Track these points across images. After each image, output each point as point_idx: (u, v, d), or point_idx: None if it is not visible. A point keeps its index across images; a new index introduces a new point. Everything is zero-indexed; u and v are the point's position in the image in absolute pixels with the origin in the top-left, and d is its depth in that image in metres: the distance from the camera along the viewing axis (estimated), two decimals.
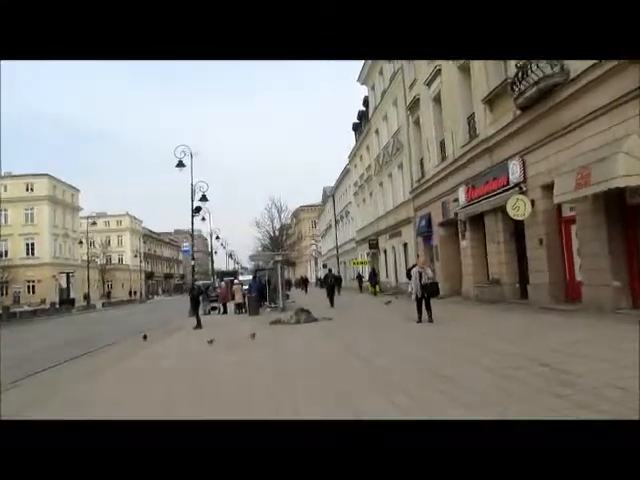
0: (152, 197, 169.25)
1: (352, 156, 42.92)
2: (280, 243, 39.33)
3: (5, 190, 60.67)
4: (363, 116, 38.51)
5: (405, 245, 27.62)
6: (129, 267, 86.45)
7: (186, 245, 29.14)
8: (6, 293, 56.30)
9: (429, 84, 20.63)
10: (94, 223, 77.01)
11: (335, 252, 55.99)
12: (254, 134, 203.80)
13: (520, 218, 13.05)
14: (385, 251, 32.56)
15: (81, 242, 45.83)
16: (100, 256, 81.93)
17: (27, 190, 61.44)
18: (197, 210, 24.28)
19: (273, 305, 23.43)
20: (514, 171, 13.61)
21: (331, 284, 24.30)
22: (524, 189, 13.23)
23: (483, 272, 17.19)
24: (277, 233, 40.01)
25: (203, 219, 43.02)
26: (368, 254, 37.71)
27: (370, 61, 31.61)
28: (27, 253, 60.60)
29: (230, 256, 45.22)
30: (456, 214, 18.09)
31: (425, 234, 22.93)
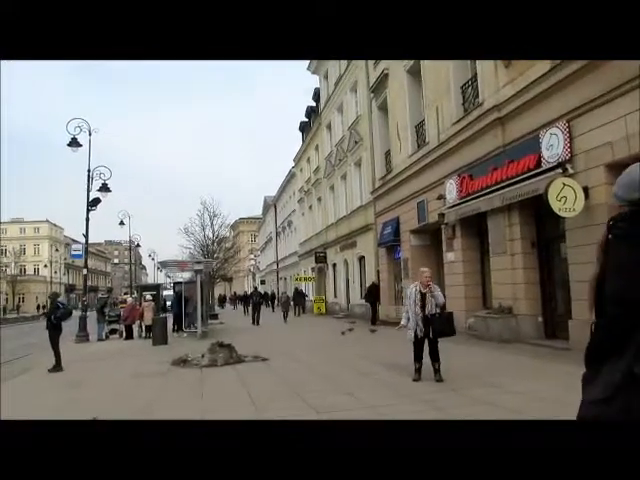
0: (78, 204, 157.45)
1: (298, 158, 38.03)
2: (212, 254, 33.49)
3: None
4: (312, 112, 33.83)
5: (361, 258, 22.87)
6: (46, 279, 77.37)
7: (77, 248, 22.83)
8: None
9: None
10: None
11: (275, 267, 50.69)
12: (191, 138, 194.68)
13: (569, 214, 8.43)
14: (335, 265, 27.69)
15: None
16: (12, 266, 73.02)
17: None
18: (94, 203, 18.43)
19: (191, 329, 17.86)
20: (552, 145, 9.06)
21: (256, 302, 24.27)
22: (570, 171, 8.68)
23: (479, 296, 12.57)
24: (209, 242, 34.09)
25: (122, 223, 37.31)
26: (314, 269, 32.75)
27: None
28: None
29: (159, 269, 38.97)
30: (440, 216, 13.43)
31: (390, 244, 18.23)
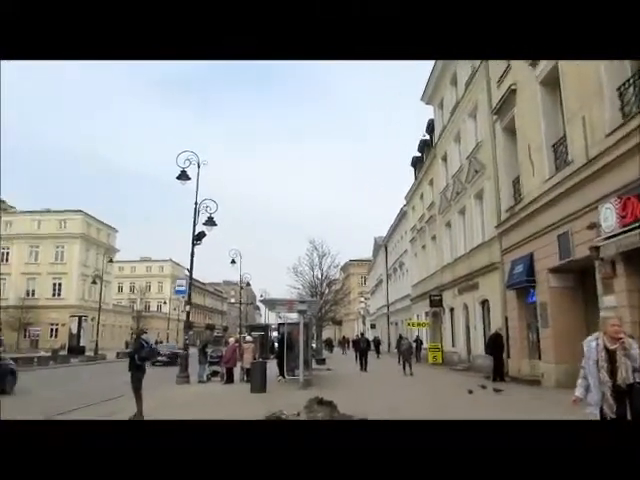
0: (201, 246, 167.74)
1: (410, 196, 36.09)
2: (321, 295, 32.25)
3: (39, 227, 57.77)
4: (425, 146, 31.98)
5: (484, 302, 20.06)
6: (166, 315, 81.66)
7: (180, 284, 22.54)
8: (25, 336, 51.86)
9: (534, 63, 13.87)
10: (119, 267, 73.53)
11: (385, 310, 48.31)
12: (300, 177, 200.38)
13: None
14: (452, 310, 24.93)
15: (94, 282, 40.39)
16: (137, 302, 78.05)
17: (60, 227, 58.05)
18: (199, 237, 17.94)
19: (292, 376, 16.27)
20: None
21: (363, 348, 23.92)
22: None
23: None
24: (317, 282, 32.93)
25: (233, 262, 37.66)
26: (428, 314, 30.08)
27: (438, 72, 25.36)
28: (53, 294, 56.40)
29: (267, 308, 38.52)
30: (594, 250, 10.71)
31: (521, 285, 15.45)
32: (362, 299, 70.91)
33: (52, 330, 54.09)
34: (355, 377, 19.97)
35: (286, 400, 11.55)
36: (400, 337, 31.13)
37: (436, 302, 26.83)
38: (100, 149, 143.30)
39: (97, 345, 38.14)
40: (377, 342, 39.76)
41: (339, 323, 74.95)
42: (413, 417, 9.19)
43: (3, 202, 42.97)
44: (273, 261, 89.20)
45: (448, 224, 25.49)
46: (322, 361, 27.90)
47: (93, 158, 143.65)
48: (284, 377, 16.85)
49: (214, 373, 18.27)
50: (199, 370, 17.84)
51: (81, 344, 39.86)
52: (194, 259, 18.09)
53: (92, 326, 56.73)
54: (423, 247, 31.88)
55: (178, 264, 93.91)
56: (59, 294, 56.33)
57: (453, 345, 24.78)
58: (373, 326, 57.91)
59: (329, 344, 52.64)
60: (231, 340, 18.44)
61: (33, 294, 55.15)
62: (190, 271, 18.26)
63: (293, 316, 27.00)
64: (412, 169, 36.36)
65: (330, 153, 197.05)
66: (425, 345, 29.11)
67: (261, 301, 24.71)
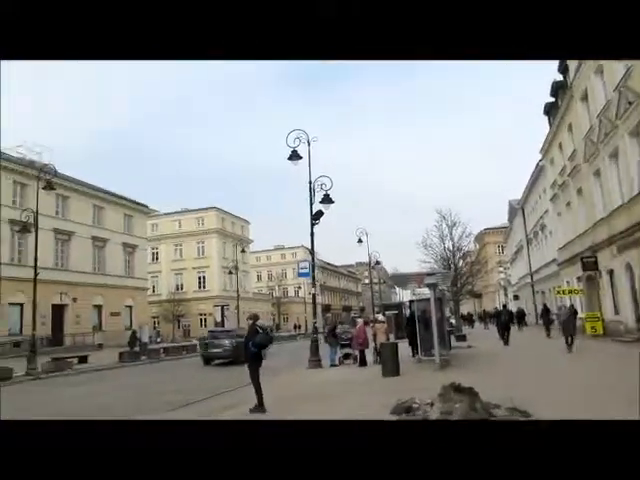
0: (330, 228, 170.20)
1: (546, 148, 32.08)
2: (455, 267, 30.16)
3: (180, 226, 62.36)
4: (559, 89, 27.98)
5: None
6: (304, 300, 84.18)
7: (303, 266, 21.93)
8: (178, 327, 56.43)
9: None
10: (256, 257, 76.86)
11: (529, 280, 44.27)
12: (422, 148, 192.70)
13: None
14: (611, 272, 21.46)
15: (231, 272, 42.23)
16: (275, 289, 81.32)
17: (198, 224, 62.06)
18: (317, 216, 17.16)
19: (428, 356, 14.81)
20: None
21: (505, 321, 22.67)
22: None
23: None
24: (449, 254, 30.81)
25: (360, 241, 36.85)
26: (580, 279, 26.53)
27: None
28: (199, 286, 60.64)
29: (391, 285, 37.42)
30: None
31: None
32: (501, 269, 66.46)
33: (201, 320, 58.24)
34: (500, 354, 17.88)
35: (420, 384, 10.26)
36: (545, 307, 28.81)
37: (590, 265, 23.36)
38: (226, 148, 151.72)
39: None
40: (521, 314, 36.86)
41: (478, 296, 71.06)
42: (581, 409, 7.38)
43: (146, 207, 46.54)
44: (403, 238, 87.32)
45: (597, 172, 21.88)
46: (462, 337, 25.97)
47: (220, 157, 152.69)
48: (419, 357, 15.49)
49: (346, 356, 17.47)
50: (330, 353, 17.18)
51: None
52: (314, 240, 17.43)
53: (235, 314, 60.46)
54: (568, 204, 28.10)
55: (309, 249, 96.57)
56: (204, 286, 60.41)
57: (616, 313, 21.33)
58: (516, 297, 53.67)
59: (469, 319, 49.86)
60: (359, 321, 17.46)
61: (182, 288, 59.81)
62: (312, 252, 17.65)
63: (426, 291, 25.47)
64: (545, 118, 32.27)
65: (448, 127, 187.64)
66: (580, 315, 25.68)
67: (390, 278, 23.47)
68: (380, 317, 19.11)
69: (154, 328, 53.35)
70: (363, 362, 16.12)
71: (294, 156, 17.33)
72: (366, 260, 46.77)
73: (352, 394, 10.22)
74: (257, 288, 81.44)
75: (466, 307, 76.85)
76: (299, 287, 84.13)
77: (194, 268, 60.69)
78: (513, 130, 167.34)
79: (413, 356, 16.38)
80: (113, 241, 40.41)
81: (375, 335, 17.32)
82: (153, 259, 61.50)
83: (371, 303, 51.08)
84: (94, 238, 38.57)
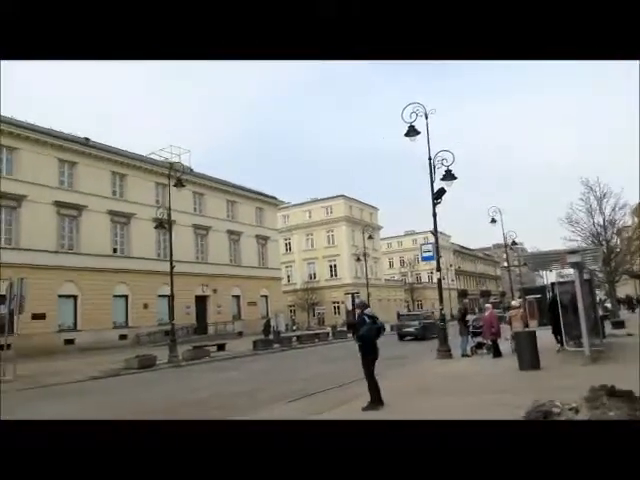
0: (464, 210, 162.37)
1: None
2: (607, 243, 26.66)
3: (310, 216, 63.73)
4: None
5: None
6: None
7: (427, 249, 20.55)
8: (313, 315, 57.82)
9: None
10: (387, 244, 75.77)
11: None
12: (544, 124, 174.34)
13: None
14: None
15: (359, 259, 41.78)
16: (408, 275, 79.91)
17: (327, 213, 62.86)
18: (439, 195, 15.81)
19: (576, 347, 12.79)
20: None
21: None
22: None
23: None
24: (599, 230, 27.27)
25: (493, 221, 34.17)
26: None
27: None
28: (330, 275, 61.50)
29: (526, 265, 34.23)
30: None
31: None
32: None
33: (334, 308, 59.06)
34: None
35: (563, 381, 8.68)
36: None
37: None
38: (354, 138, 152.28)
39: None
40: None
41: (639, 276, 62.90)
42: None
43: (275, 199, 48.11)
44: (544, 216, 79.93)
45: None
46: (619, 324, 22.69)
47: (346, 145, 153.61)
48: (563, 348, 13.52)
49: (479, 345, 15.96)
50: (461, 343, 15.81)
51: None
52: (434, 217, 16.09)
53: (371, 301, 60.61)
54: None
55: (442, 233, 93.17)
56: (335, 274, 61.14)
57: None
58: None
59: (629, 302, 44.08)
60: (487, 306, 15.80)
61: (314, 277, 61.14)
62: (435, 234, 16.35)
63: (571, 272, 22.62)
64: None
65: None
66: None
67: (524, 257, 21.17)
68: (514, 302, 17.19)
69: (290, 316, 55.42)
70: (497, 352, 14.55)
71: (411, 131, 16.20)
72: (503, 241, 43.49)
73: (480, 390, 8.97)
74: (389, 275, 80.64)
75: (625, 289, 68.40)
76: (431, 272, 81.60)
77: (325, 257, 61.65)
78: None
79: (560, 346, 14.39)
80: (246, 234, 42.33)
81: (510, 322, 15.62)
82: (286, 249, 63.72)
83: (514, 287, 47.39)
84: (229, 232, 40.69)
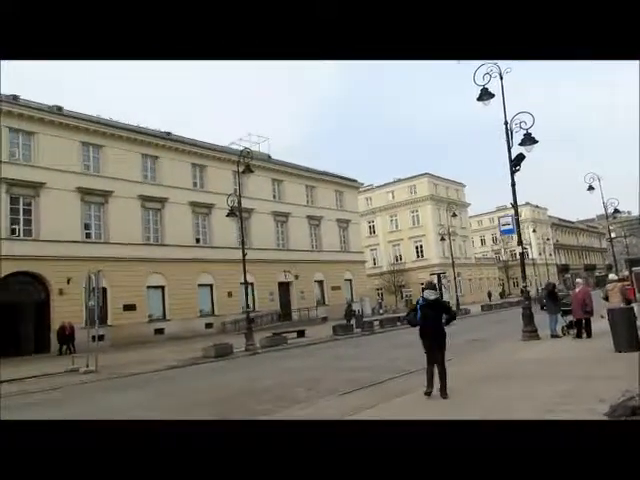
0: (561, 184, 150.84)
1: None
2: None
3: (393, 197, 62.21)
4: None
5: None
6: (535, 261, 76.71)
7: (506, 222, 18.79)
8: (401, 297, 56.60)
9: None
10: (478, 221, 72.18)
11: None
12: None
13: None
14: None
15: (443, 239, 39.74)
16: (502, 252, 76.02)
17: (411, 193, 60.98)
18: (517, 161, 14.24)
19: None
20: None
21: None
22: None
23: None
24: None
25: (591, 188, 31.09)
26: None
27: None
28: (417, 255, 59.76)
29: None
30: None
31: None
32: None
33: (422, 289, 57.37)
34: None
35: None
36: None
37: None
38: (430, 113, 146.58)
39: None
40: None
41: None
42: None
43: (355, 181, 47.27)
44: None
45: None
46: None
47: (438, 124, 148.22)
48: None
49: (570, 324, 14.28)
50: (549, 322, 14.21)
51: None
52: (513, 187, 14.50)
53: (460, 281, 58.03)
54: None
55: (537, 206, 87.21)
56: (422, 255, 59.29)
57: None
58: None
59: None
60: (578, 282, 14.00)
61: (400, 259, 59.71)
62: (514, 205, 14.74)
63: None
64: None
65: None
66: None
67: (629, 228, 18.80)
68: (612, 275, 15.17)
69: (378, 300, 54.62)
70: (589, 333, 12.88)
71: (485, 94, 14.71)
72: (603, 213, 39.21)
73: (561, 376, 7.74)
74: (482, 253, 77.20)
75: None
76: (525, 248, 77.04)
77: (410, 238, 59.92)
78: None
79: None
80: (327, 218, 41.94)
81: (607, 298, 13.79)
82: (370, 232, 62.78)
83: (613, 259, 43.03)
84: (309, 217, 40.55)
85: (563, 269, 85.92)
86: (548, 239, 76.71)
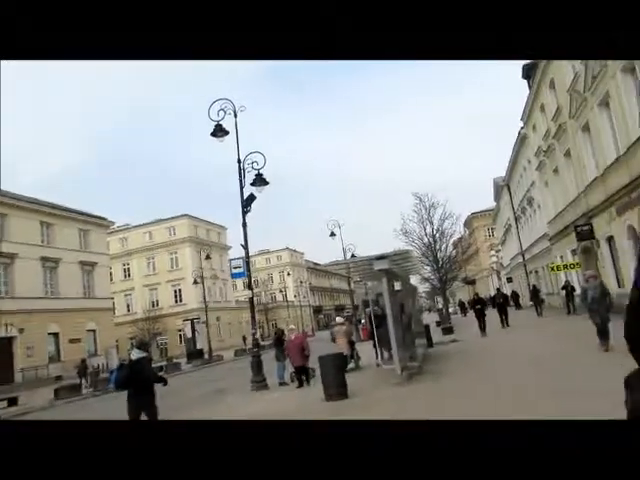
0: (314, 230, 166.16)
1: (527, 113, 29.00)
2: (435, 254, 27.20)
3: (151, 237, 58.92)
4: None
5: None
6: (293, 303, 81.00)
7: (236, 264, 18.80)
8: (157, 346, 52.89)
9: None
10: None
11: (520, 259, 41.23)
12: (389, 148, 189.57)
13: None
14: (610, 240, 18.39)
15: (196, 282, 38.33)
16: (262, 295, 78.19)
17: (170, 234, 58.61)
18: (249, 201, 13.96)
19: (387, 364, 11.51)
20: None
21: (501, 304, 22.42)
22: None
23: None
24: (431, 240, 27.78)
25: (332, 234, 33.66)
26: (575, 252, 23.57)
27: None
28: (175, 300, 57.17)
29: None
30: None
31: None
32: (493, 252, 63.71)
33: (180, 336, 54.50)
34: (497, 350, 14.24)
35: (373, 411, 7.08)
36: (534, 288, 28.43)
37: (585, 234, 20.30)
38: (195, 152, 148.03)
39: (210, 347, 36.30)
40: (515, 295, 36.47)
41: (472, 282, 68.17)
42: None
43: (104, 219, 42.97)
44: (381, 228, 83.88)
45: (585, 127, 18.79)
46: (448, 330, 22.87)
47: (198, 162, 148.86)
48: (378, 363, 12.30)
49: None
50: (276, 369, 13.86)
51: (198, 347, 38.50)
52: (244, 228, 14.08)
53: (218, 326, 57.01)
54: (555, 171, 25.08)
55: (295, 250, 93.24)
56: (181, 300, 57.00)
57: (620, 286, 18.23)
58: (510, 280, 50.65)
59: (462, 307, 46.77)
60: (292, 328, 14.13)
61: (157, 304, 56.27)
62: (245, 247, 14.35)
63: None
64: (525, 83, 29.15)
65: (420, 113, 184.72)
66: (577, 292, 22.66)
67: (325, 267, 20.32)
68: (338, 318, 15.88)
69: (129, 351, 49.93)
70: (301, 382, 12.65)
71: (219, 131, 14.20)
72: (357, 254, 43.27)
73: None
74: (243, 296, 78.44)
75: (462, 294, 73.87)
76: (280, 290, 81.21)
77: (168, 281, 57.24)
78: (497, 108, 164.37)
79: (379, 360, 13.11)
80: (66, 260, 36.85)
81: (335, 339, 14.19)
82: (125, 276, 58.11)
83: (351, 301, 47.46)
84: (43, 258, 35.05)
85: (317, 310, 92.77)
86: (302, 282, 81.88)
